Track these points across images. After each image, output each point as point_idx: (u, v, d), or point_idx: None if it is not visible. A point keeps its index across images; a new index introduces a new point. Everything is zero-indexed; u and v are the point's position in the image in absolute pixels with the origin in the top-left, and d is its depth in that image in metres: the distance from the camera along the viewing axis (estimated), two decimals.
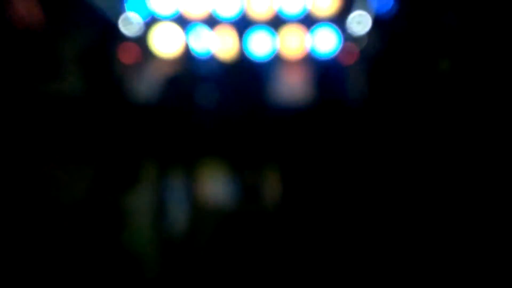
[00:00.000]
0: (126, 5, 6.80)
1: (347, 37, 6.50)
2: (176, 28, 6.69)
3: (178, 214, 4.24)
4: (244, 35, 4.25)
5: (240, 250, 3.05)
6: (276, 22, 6.13)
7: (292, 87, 4.54)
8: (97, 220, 4.51)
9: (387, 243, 2.78)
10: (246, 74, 4.36)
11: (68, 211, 4.46)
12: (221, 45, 6.57)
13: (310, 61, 6.45)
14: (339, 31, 6.38)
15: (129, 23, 6.65)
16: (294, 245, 2.89)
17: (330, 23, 6.45)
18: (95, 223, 4.46)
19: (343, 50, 6.42)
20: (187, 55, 6.59)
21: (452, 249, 2.77)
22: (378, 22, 4.42)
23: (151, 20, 6.90)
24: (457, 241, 2.76)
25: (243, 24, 6.53)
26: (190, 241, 2.93)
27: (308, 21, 6.47)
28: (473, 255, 2.80)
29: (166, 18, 6.92)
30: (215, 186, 5.17)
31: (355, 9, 6.02)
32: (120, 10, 6.53)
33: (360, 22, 6.14)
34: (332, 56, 6.51)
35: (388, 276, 2.73)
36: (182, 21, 6.71)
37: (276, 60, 5.37)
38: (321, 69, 5.00)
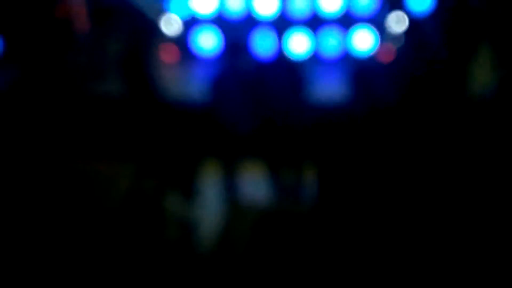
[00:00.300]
0: (167, 5, 6.90)
1: (385, 37, 6.47)
2: (215, 29, 6.76)
3: (218, 213, 4.31)
4: (283, 35, 4.28)
5: (278, 249, 3.10)
6: (314, 23, 6.13)
7: (331, 86, 4.56)
8: (139, 218, 4.62)
9: (426, 242, 2.80)
10: (285, 74, 4.37)
11: (111, 209, 4.58)
12: (260, 46, 6.61)
13: (349, 60, 6.44)
14: (377, 31, 6.36)
15: (170, 23, 6.75)
16: (330, 245, 2.92)
17: (368, 23, 6.43)
18: (136, 221, 4.57)
19: (381, 50, 6.40)
20: (226, 56, 6.65)
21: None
22: (414, 22, 4.42)
23: (191, 21, 6.98)
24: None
25: (282, 25, 6.56)
26: (229, 239, 2.99)
27: (346, 21, 6.44)
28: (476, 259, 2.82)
29: (206, 18, 6.99)
30: (255, 185, 5.20)
31: (392, 9, 6.00)
32: (161, 11, 6.63)
33: (398, 22, 6.10)
34: (371, 55, 6.50)
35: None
36: (222, 22, 6.78)
37: (315, 60, 5.38)
38: (360, 68, 5.01)
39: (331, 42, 6.46)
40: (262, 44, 6.79)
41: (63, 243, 4.01)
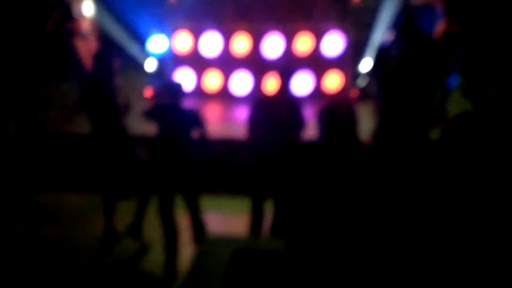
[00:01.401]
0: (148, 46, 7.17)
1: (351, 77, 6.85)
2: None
3: (193, 248, 4.40)
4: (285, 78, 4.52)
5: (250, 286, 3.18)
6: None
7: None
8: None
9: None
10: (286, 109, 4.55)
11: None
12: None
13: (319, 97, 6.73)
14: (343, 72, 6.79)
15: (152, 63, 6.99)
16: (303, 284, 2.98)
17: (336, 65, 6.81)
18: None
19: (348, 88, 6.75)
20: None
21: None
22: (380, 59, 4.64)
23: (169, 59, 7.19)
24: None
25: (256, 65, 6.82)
26: (203, 275, 3.05)
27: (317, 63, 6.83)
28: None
29: (187, 60, 7.22)
30: (226, 218, 5.26)
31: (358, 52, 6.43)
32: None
33: (363, 64, 6.54)
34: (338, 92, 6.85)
35: None
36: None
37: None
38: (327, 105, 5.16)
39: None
40: (239, 83, 7.06)
41: None
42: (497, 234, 2.89)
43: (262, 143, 4.51)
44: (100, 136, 4.66)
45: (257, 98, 5.11)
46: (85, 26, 6.63)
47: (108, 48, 5.06)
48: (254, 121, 4.51)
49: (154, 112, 4.49)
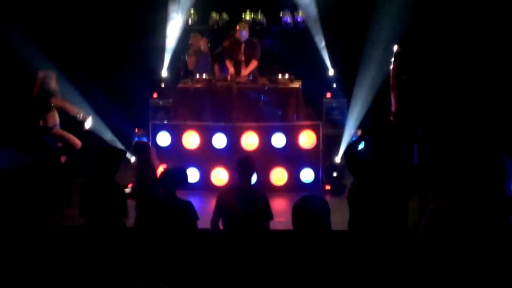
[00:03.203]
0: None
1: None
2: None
3: None
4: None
5: None
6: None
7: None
8: None
9: None
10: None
11: None
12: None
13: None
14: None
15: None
16: None
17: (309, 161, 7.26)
18: None
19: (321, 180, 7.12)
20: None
21: None
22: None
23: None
24: None
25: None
26: None
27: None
28: None
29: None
30: None
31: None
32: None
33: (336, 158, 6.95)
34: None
35: None
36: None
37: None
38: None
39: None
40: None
41: None
42: None
43: (227, 234, 4.80)
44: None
45: (221, 191, 5.42)
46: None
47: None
48: (217, 213, 4.84)
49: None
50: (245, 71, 8.04)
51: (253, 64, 8.09)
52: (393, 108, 6.33)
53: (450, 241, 3.19)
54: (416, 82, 6.33)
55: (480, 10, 8.73)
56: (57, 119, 7.02)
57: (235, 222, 4.76)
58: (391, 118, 6.35)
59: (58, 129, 7.01)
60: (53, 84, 6.95)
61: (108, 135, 7.80)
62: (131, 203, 5.07)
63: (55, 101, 6.89)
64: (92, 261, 4.80)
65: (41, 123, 6.92)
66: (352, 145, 4.83)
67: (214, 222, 4.85)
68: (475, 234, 3.17)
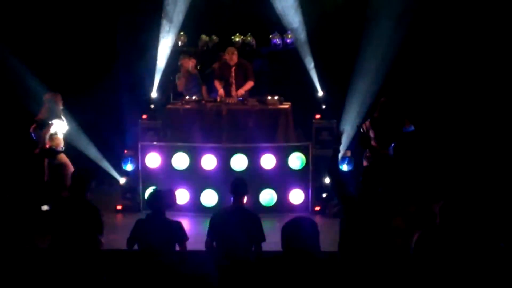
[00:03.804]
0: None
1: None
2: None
3: None
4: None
5: None
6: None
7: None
8: None
9: None
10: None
11: None
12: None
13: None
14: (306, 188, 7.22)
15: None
16: None
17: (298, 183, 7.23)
18: None
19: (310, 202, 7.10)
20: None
21: None
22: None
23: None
24: None
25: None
26: None
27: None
28: None
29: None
30: None
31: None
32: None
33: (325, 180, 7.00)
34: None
35: None
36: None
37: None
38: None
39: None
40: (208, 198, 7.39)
41: None
42: None
43: (221, 255, 4.81)
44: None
45: (214, 212, 5.42)
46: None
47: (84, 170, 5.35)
48: (211, 234, 4.87)
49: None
50: (241, 90, 8.14)
51: (250, 84, 8.23)
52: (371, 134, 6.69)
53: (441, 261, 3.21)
54: (394, 105, 6.69)
55: (469, 37, 8.82)
56: (62, 143, 7.02)
57: (229, 243, 4.77)
58: (372, 143, 6.64)
59: (63, 155, 7.01)
60: (59, 106, 6.98)
61: (96, 156, 7.81)
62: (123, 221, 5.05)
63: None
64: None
65: (47, 145, 6.89)
66: (333, 165, 4.79)
67: (208, 243, 4.88)
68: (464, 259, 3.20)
